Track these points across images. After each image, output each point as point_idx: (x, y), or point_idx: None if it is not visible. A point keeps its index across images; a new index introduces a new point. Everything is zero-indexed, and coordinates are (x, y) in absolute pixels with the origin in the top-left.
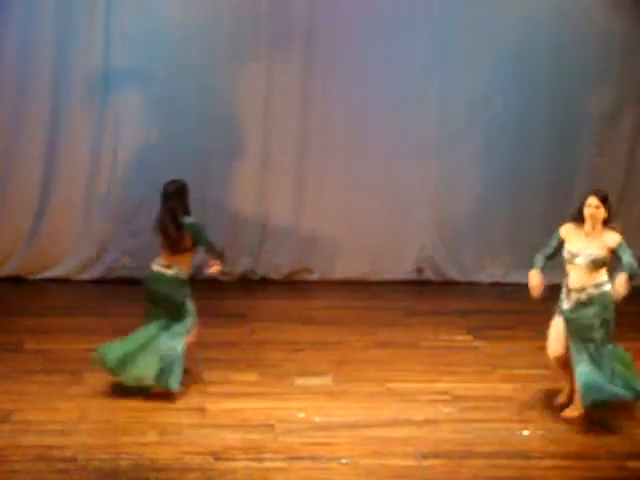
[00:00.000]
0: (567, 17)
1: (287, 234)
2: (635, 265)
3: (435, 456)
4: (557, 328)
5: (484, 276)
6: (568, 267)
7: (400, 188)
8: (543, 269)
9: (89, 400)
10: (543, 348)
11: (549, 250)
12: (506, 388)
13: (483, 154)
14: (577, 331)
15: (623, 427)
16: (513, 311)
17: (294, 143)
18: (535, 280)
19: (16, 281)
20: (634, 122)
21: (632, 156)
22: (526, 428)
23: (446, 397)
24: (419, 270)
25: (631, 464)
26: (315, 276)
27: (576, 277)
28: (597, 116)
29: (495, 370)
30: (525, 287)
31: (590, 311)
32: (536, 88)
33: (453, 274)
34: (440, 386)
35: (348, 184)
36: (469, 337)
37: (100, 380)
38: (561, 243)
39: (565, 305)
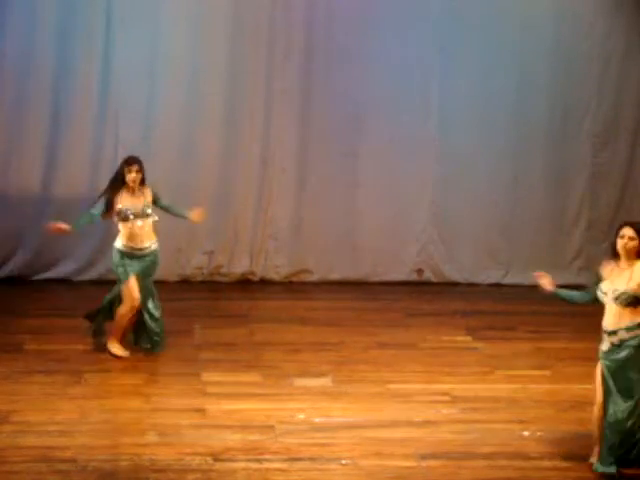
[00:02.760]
0: (567, 17)
1: (287, 235)
2: None
3: (435, 457)
4: (597, 373)
5: (483, 277)
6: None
7: (400, 189)
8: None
9: (89, 401)
10: (542, 349)
11: (589, 290)
12: (506, 389)
13: (482, 155)
14: (613, 378)
15: None
16: (512, 312)
17: (294, 144)
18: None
19: (16, 282)
20: (634, 123)
21: (632, 157)
22: (526, 429)
23: (446, 398)
24: (419, 271)
25: None
26: (315, 277)
27: (608, 318)
28: (597, 117)
29: (495, 371)
30: (524, 288)
31: (624, 356)
32: (536, 88)
33: (452, 275)
34: (440, 387)
35: (348, 185)
36: (469, 338)
37: (100, 381)
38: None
39: (603, 347)
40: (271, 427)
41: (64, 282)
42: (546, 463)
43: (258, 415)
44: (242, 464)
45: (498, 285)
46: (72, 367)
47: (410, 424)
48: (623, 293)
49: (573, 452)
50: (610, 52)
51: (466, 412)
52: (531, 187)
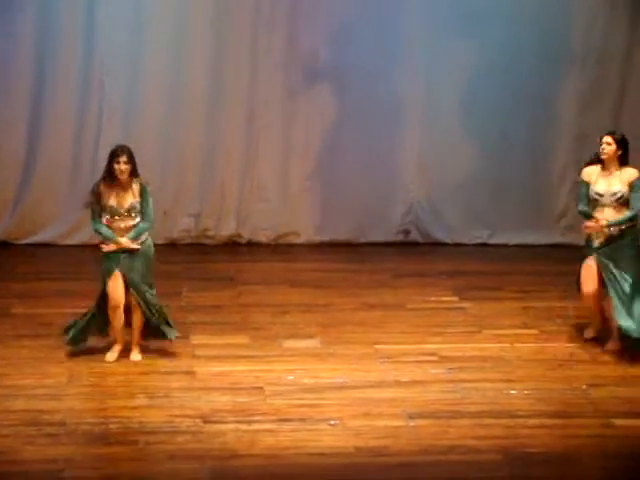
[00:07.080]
0: None
1: (273, 197)
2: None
3: (423, 416)
4: (589, 267)
5: (470, 237)
6: (597, 207)
7: (386, 150)
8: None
9: (78, 364)
10: (529, 308)
11: (585, 199)
12: (493, 348)
13: (468, 117)
14: (612, 264)
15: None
16: (499, 272)
17: (279, 104)
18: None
19: (3, 246)
20: (619, 83)
21: (616, 118)
22: (513, 387)
23: (433, 358)
24: (405, 232)
25: (618, 422)
26: (302, 239)
27: (606, 215)
28: (582, 76)
29: (482, 330)
30: (510, 248)
31: (624, 242)
32: (522, 47)
33: (439, 235)
34: (427, 347)
35: (334, 146)
36: (455, 298)
37: (89, 344)
38: (588, 186)
39: (596, 243)
40: (260, 389)
41: (50, 246)
42: (533, 421)
43: (247, 377)
44: (231, 426)
45: (484, 245)
46: (60, 331)
47: (398, 384)
48: (622, 195)
49: (560, 410)
50: (596, 7)
51: (454, 372)
52: (516, 149)
